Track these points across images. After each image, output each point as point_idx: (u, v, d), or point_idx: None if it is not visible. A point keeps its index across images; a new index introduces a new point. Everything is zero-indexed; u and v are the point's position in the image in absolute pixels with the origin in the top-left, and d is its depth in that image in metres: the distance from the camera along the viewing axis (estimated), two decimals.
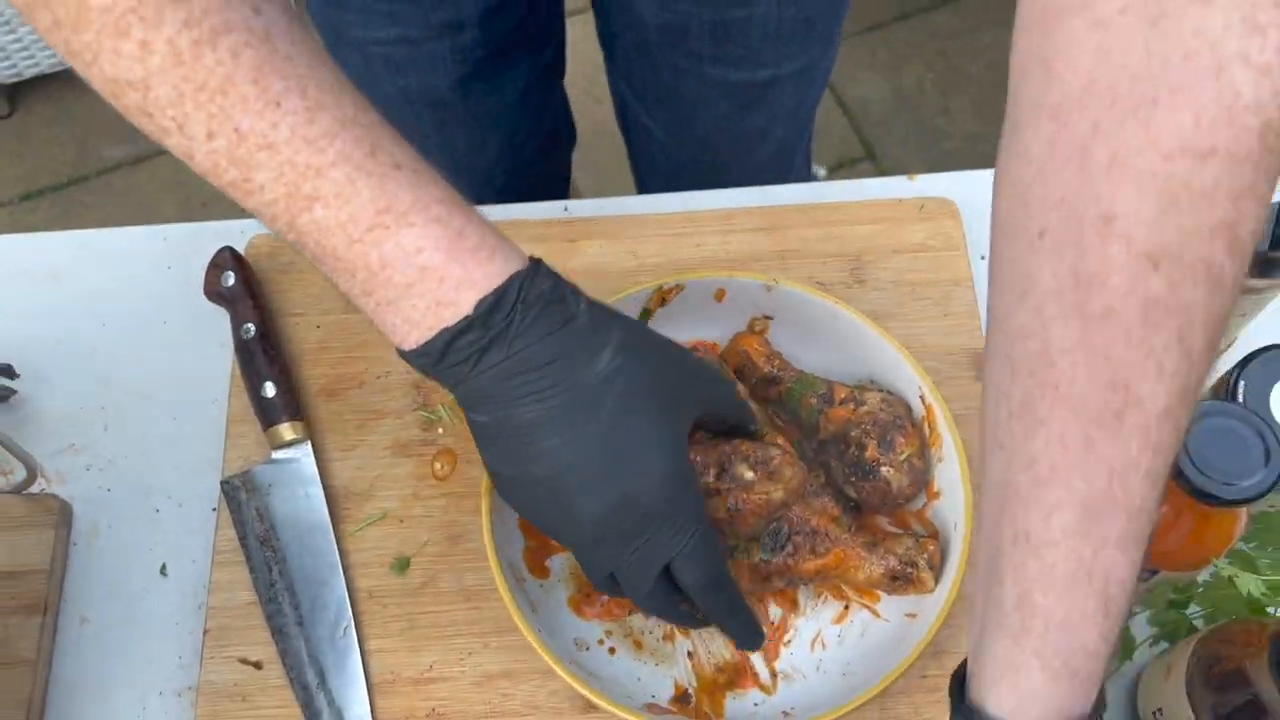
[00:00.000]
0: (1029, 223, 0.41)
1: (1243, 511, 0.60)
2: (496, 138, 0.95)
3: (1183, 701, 0.60)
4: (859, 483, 0.66)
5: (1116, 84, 0.38)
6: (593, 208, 0.82)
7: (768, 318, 0.72)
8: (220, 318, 0.78)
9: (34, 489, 0.73)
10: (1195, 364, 0.40)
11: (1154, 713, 0.63)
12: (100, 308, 0.81)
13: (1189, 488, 0.56)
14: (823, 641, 0.66)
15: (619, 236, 0.78)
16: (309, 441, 0.72)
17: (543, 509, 0.56)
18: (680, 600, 0.59)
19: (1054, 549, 0.42)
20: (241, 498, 0.71)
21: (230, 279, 0.75)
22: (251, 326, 0.74)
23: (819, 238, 0.78)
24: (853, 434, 0.66)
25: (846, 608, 0.67)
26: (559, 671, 0.61)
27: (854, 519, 0.67)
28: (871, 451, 0.65)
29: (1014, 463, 0.43)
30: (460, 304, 0.50)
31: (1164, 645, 0.65)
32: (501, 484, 0.57)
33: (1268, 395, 0.63)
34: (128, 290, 0.81)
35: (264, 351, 0.73)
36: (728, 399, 0.63)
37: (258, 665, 0.68)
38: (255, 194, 0.48)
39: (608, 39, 0.92)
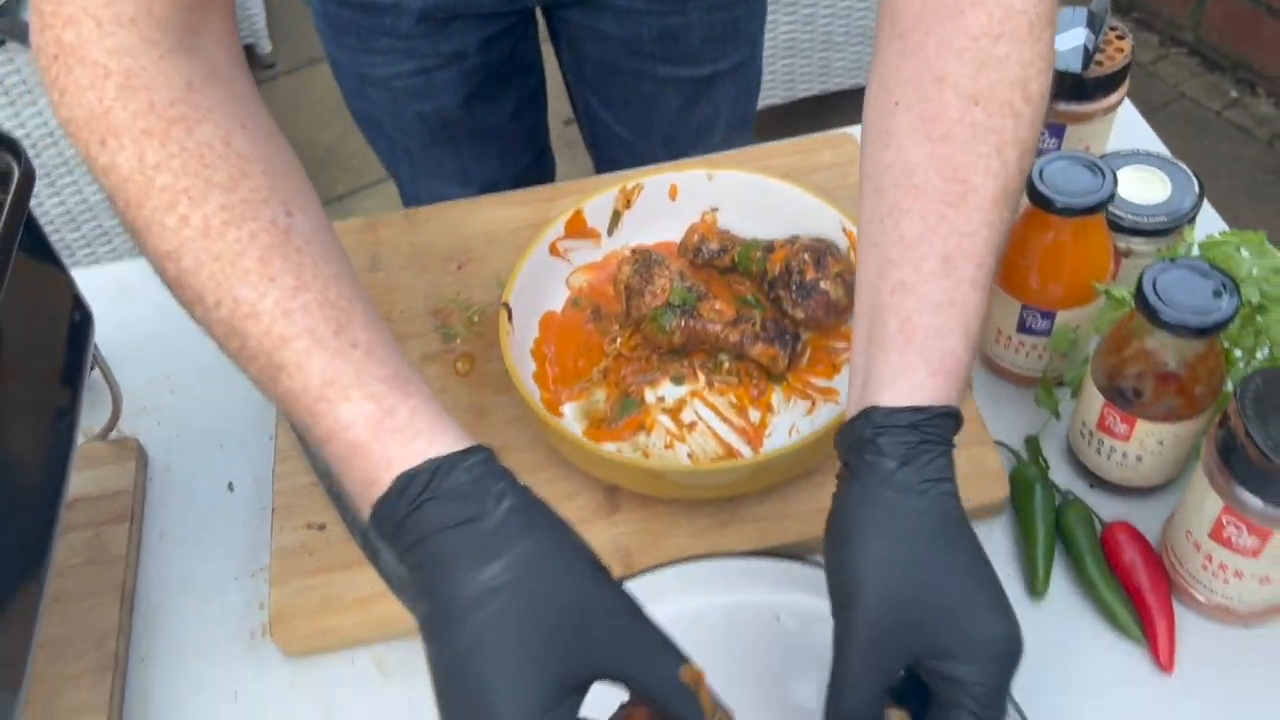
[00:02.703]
0: (886, 98, 0.61)
1: (1107, 238, 0.75)
2: (496, 148, 1.16)
3: (1095, 398, 0.72)
4: (805, 302, 0.80)
5: (937, 6, 0.60)
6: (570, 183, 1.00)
7: (715, 209, 0.88)
8: None
9: (113, 436, 0.85)
10: (1010, 169, 0.59)
11: (1080, 428, 0.75)
12: (165, 309, 0.95)
13: (1055, 207, 0.72)
14: (797, 429, 0.78)
15: (592, 193, 0.95)
16: None
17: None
18: None
19: (925, 285, 0.57)
20: None
21: None
22: None
23: (753, 170, 0.96)
24: (793, 264, 0.81)
25: (813, 404, 0.79)
26: (606, 455, 0.73)
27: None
28: (810, 273, 0.80)
29: (887, 241, 0.58)
30: (381, 482, 0.50)
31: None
32: None
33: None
34: None
35: None
36: (650, 669, 0.51)
37: (321, 527, 0.78)
38: (249, 363, 0.53)
39: (576, 67, 1.14)
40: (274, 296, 0.52)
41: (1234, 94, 2.45)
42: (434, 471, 0.50)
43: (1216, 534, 0.65)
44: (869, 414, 0.54)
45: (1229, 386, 0.70)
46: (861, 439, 0.54)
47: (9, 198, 0.63)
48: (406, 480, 0.50)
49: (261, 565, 0.79)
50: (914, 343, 0.55)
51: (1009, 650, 0.53)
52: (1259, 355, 0.72)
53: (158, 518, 0.83)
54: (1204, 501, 0.65)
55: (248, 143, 0.55)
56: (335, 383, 0.51)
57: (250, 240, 0.52)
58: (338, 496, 0.70)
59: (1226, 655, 0.70)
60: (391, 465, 0.50)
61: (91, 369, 0.82)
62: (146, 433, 0.88)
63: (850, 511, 0.54)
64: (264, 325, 0.52)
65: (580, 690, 0.50)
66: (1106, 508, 0.76)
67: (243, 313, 0.52)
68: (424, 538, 0.50)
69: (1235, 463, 0.62)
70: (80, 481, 0.83)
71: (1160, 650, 0.69)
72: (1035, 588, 0.72)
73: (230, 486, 0.84)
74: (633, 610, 0.52)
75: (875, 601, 0.52)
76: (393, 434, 0.51)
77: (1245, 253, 0.71)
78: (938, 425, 0.54)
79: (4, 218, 0.62)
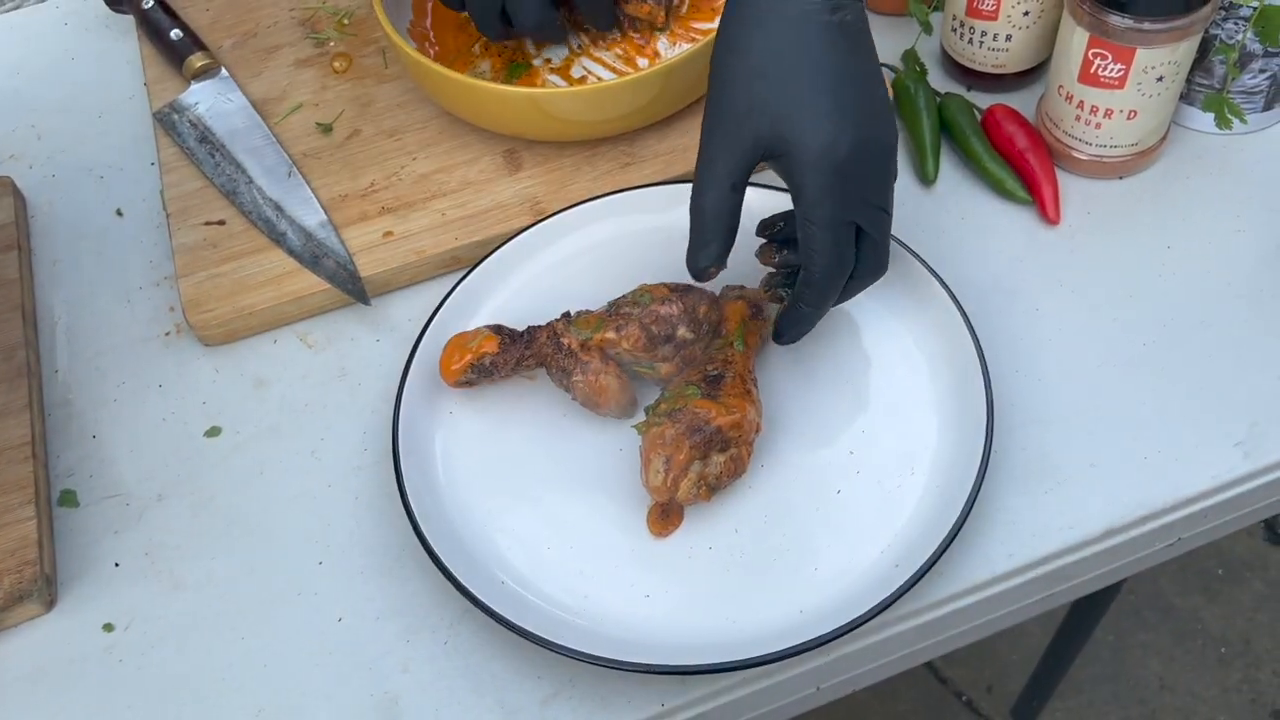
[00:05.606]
0: None
1: None
2: None
3: None
4: None
5: None
6: None
7: None
8: (118, 48, 0.90)
9: None
10: None
11: (951, 24, 0.78)
12: (16, 65, 0.91)
13: None
14: None
15: None
16: (221, 67, 0.83)
17: None
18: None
19: None
20: (174, 119, 0.81)
21: None
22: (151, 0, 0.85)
23: None
24: None
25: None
26: (512, 93, 0.72)
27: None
28: None
29: None
30: None
31: None
32: None
33: None
34: (35, 45, 0.92)
35: (165, 11, 0.85)
36: None
37: (221, 223, 0.77)
38: None
39: None
40: None
41: None
42: None
43: (1085, 73, 0.69)
44: None
45: None
46: None
47: None
48: None
49: (165, 275, 0.78)
50: None
51: (829, 161, 0.55)
52: None
53: (48, 248, 0.80)
54: (1071, 44, 0.69)
55: None
56: None
57: None
58: None
59: (1103, 206, 0.75)
60: None
61: None
62: (19, 177, 0.84)
63: (725, 22, 0.58)
64: None
65: None
66: (984, 103, 0.79)
67: None
68: None
69: None
70: None
71: (1046, 204, 0.73)
72: (926, 176, 0.76)
73: (119, 212, 0.82)
74: None
75: (729, 88, 0.57)
76: None
77: None
78: None
79: None
